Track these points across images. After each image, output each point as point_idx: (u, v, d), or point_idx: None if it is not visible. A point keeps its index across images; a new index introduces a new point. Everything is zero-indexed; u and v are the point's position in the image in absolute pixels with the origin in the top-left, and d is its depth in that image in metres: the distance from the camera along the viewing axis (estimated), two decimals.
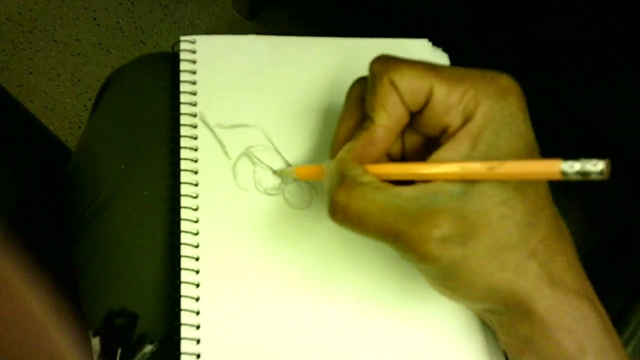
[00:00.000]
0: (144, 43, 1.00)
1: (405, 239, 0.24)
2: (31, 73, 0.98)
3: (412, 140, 0.29)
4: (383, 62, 0.26)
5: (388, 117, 0.26)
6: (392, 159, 0.30)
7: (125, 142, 0.36)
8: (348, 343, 0.32)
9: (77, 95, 0.97)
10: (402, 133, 0.29)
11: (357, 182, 0.26)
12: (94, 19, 1.01)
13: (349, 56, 0.38)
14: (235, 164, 0.35)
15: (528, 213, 0.24)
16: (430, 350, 0.32)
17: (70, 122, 0.96)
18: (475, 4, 0.43)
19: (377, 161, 0.28)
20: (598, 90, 0.41)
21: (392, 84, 0.26)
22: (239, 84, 0.36)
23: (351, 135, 0.28)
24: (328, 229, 0.34)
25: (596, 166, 0.21)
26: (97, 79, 0.98)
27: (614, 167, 0.21)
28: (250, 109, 0.36)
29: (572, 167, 0.21)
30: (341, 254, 0.34)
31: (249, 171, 0.35)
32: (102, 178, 0.36)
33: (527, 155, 0.25)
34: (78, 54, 0.99)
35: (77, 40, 1.00)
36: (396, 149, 0.29)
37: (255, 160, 0.35)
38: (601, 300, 0.27)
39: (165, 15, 1.02)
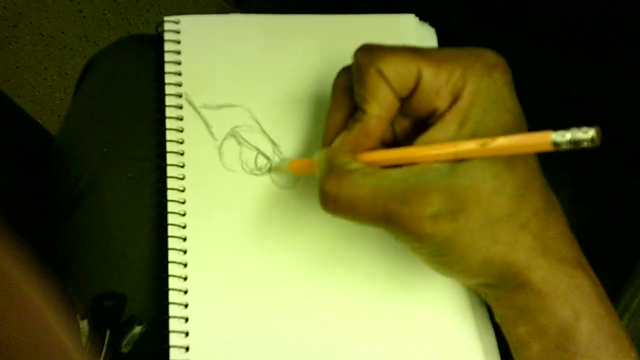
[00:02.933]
0: (131, 34, 1.00)
1: (398, 220, 0.24)
2: (18, 67, 0.97)
3: (402, 125, 0.29)
4: (367, 52, 0.26)
5: (379, 106, 0.26)
6: (383, 144, 0.30)
7: (107, 124, 0.36)
8: (337, 324, 0.32)
9: (65, 89, 0.97)
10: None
11: (346, 170, 0.26)
12: (80, 11, 1.00)
13: (336, 33, 0.38)
14: (221, 144, 0.34)
15: (519, 186, 0.25)
16: (421, 332, 0.32)
17: (59, 116, 0.95)
18: None
19: (371, 149, 0.28)
20: (589, 66, 0.41)
21: (380, 73, 0.26)
22: (224, 63, 0.36)
23: (342, 126, 0.28)
24: (314, 208, 0.34)
25: (587, 133, 0.21)
26: None
27: (605, 141, 0.21)
28: (236, 88, 0.36)
29: (564, 136, 0.21)
30: (327, 232, 0.34)
31: (236, 152, 0.34)
32: (84, 161, 0.36)
33: (515, 129, 0.25)
34: (65, 47, 0.98)
35: (63, 33, 0.99)
36: (387, 134, 0.29)
37: (242, 140, 0.35)
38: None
39: (152, 5, 1.01)
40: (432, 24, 0.38)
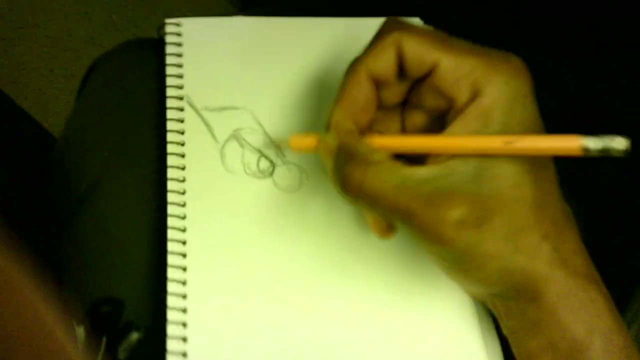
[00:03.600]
0: (137, 37, 1.00)
1: (420, 221, 0.24)
2: (24, 69, 0.97)
3: (414, 120, 0.29)
4: (396, 22, 0.26)
5: (375, 63, 0.26)
6: None
7: (110, 128, 0.36)
8: (338, 329, 0.31)
9: (71, 91, 0.96)
10: (402, 113, 0.29)
11: (370, 161, 0.25)
12: (86, 13, 1.00)
13: (340, 36, 0.37)
14: (223, 146, 0.34)
15: (539, 196, 0.24)
16: (426, 340, 0.31)
17: (65, 119, 0.95)
18: None
19: (368, 120, 0.28)
20: (585, 66, 0.40)
21: (396, 41, 0.26)
22: (226, 66, 0.35)
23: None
24: (317, 213, 0.33)
25: (620, 144, 0.21)
26: None
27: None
28: (238, 91, 0.35)
29: (596, 143, 0.21)
30: (331, 237, 0.33)
31: (237, 154, 0.34)
32: (86, 164, 0.36)
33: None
34: (71, 49, 0.99)
35: (69, 35, 0.99)
36: (395, 127, 0.29)
37: (244, 142, 0.34)
38: None
39: (158, 8, 1.02)
40: (431, 24, 0.38)
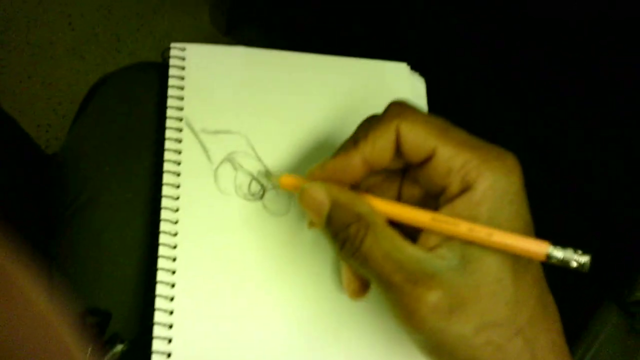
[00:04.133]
0: (119, 51, 1.00)
1: (398, 293, 0.25)
2: (2, 73, 0.96)
3: (411, 192, 0.29)
4: (400, 106, 0.27)
5: (371, 150, 0.27)
6: None
7: (111, 145, 0.37)
8: (321, 351, 0.33)
9: (48, 99, 0.96)
10: (401, 183, 0.30)
11: (372, 222, 0.26)
12: (69, 23, 1.00)
13: (329, 73, 0.39)
14: (217, 168, 0.35)
15: (519, 293, 0.25)
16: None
17: (38, 126, 0.94)
18: (461, 32, 0.44)
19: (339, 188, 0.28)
20: (575, 128, 0.41)
21: (397, 128, 0.26)
22: (225, 92, 0.37)
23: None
24: (303, 237, 0.35)
25: (579, 261, 0.23)
26: (69, 84, 0.97)
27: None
28: (235, 116, 0.37)
29: (557, 255, 0.23)
30: (317, 259, 0.35)
31: (231, 176, 0.35)
32: (86, 178, 0.36)
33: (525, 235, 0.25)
34: (51, 57, 0.98)
35: (51, 43, 0.99)
36: (393, 193, 0.30)
37: (237, 165, 0.36)
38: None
39: (142, 25, 1.02)
40: (422, 74, 0.40)
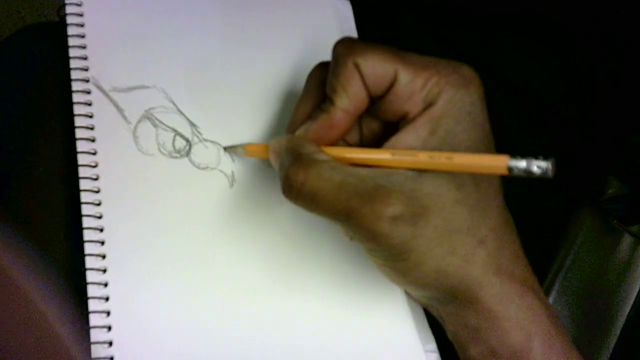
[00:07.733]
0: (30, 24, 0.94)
1: (357, 217, 0.24)
2: None
3: (370, 127, 0.29)
4: (348, 45, 0.27)
5: (348, 100, 0.26)
6: (349, 144, 0.30)
7: (13, 119, 0.34)
8: (273, 334, 0.31)
9: None
10: (360, 119, 0.29)
11: (314, 160, 0.26)
12: None
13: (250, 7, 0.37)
14: (135, 128, 0.33)
15: (480, 200, 0.25)
16: (362, 337, 0.32)
17: None
18: None
19: (333, 144, 0.28)
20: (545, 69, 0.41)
21: (356, 67, 0.26)
22: (133, 44, 0.34)
23: (308, 116, 0.28)
24: (239, 189, 0.33)
25: (541, 166, 0.22)
26: None
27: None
28: (148, 70, 0.34)
29: (518, 165, 0.23)
30: (258, 215, 0.33)
31: (152, 135, 0.33)
32: None
33: (484, 145, 0.26)
34: None
35: None
36: (354, 134, 0.29)
37: (157, 122, 0.33)
38: None
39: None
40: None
